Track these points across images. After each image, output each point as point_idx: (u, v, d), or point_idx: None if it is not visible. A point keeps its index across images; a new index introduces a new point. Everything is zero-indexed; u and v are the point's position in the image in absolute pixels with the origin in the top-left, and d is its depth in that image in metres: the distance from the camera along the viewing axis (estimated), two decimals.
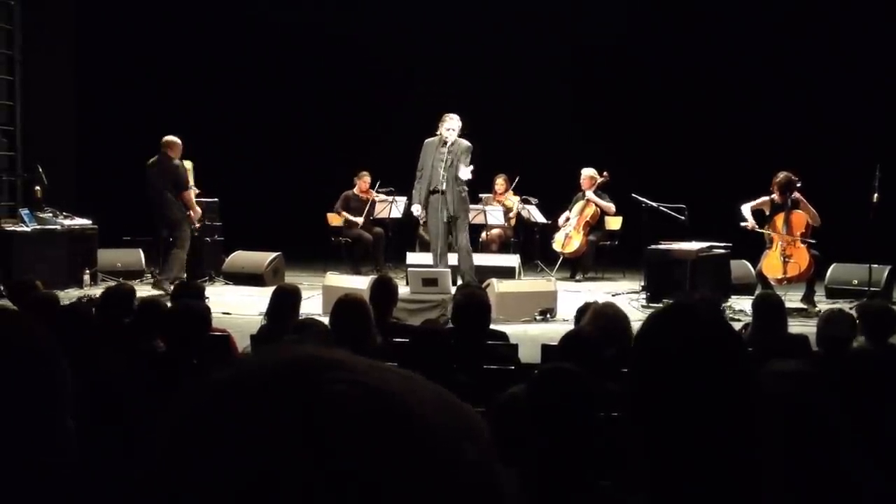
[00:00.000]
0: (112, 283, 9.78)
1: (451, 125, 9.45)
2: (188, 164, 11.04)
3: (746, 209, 9.82)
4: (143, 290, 9.47)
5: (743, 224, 9.79)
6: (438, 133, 9.53)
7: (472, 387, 3.83)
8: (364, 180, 12.41)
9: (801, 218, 9.62)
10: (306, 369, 0.58)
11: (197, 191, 11.18)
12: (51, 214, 11.34)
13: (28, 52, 12.40)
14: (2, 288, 9.58)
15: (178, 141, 10.73)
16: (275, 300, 5.58)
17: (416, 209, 9.77)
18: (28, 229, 10.89)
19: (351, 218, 12.25)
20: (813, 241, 9.60)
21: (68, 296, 9.64)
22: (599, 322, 4.16)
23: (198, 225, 10.97)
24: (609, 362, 3.52)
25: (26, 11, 12.38)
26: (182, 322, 4.21)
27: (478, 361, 4.52)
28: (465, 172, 9.44)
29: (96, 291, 9.69)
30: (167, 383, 3.47)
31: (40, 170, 11.55)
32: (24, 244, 10.65)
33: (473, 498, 0.57)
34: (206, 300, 6.49)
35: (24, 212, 11.21)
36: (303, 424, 0.55)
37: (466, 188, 9.74)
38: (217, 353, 4.91)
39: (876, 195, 9.48)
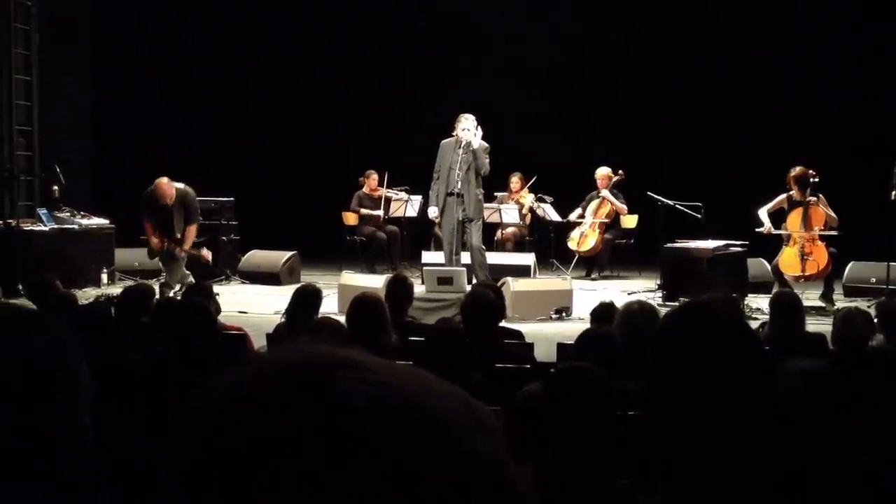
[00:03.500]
0: (129, 283, 9.84)
1: (466, 125, 9.42)
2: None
3: (763, 213, 9.77)
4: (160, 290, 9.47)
5: (759, 230, 9.73)
6: (454, 134, 9.52)
7: (488, 385, 3.83)
8: (372, 178, 12.45)
9: (819, 214, 9.55)
10: (320, 367, 0.59)
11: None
12: (68, 214, 11.41)
13: (45, 53, 12.47)
14: (21, 287, 9.64)
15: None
16: (296, 300, 5.58)
17: (433, 211, 9.75)
18: (46, 229, 10.95)
19: (371, 213, 12.30)
20: (834, 234, 9.53)
21: (86, 295, 9.70)
22: (628, 321, 4.14)
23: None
24: (627, 360, 3.51)
25: (43, 12, 12.44)
26: (186, 321, 4.17)
27: (490, 360, 4.52)
28: (477, 140, 9.39)
29: (114, 291, 9.74)
30: (182, 382, 3.48)
31: (58, 170, 11.61)
32: (42, 244, 10.72)
33: (485, 490, 0.57)
34: (217, 295, 6.47)
35: (42, 211, 11.29)
36: (317, 421, 0.55)
37: (482, 190, 9.75)
38: (233, 351, 4.94)
39: (894, 193, 9.42)
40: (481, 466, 0.58)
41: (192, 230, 10.09)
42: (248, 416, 0.57)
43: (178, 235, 9.99)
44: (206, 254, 10.64)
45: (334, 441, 0.55)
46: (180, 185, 10.09)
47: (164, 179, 9.93)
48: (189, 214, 10.03)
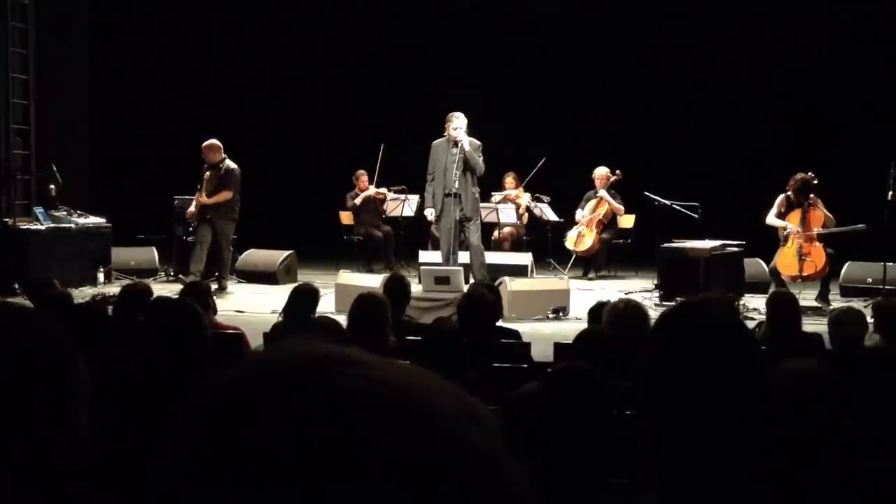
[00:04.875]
0: (126, 281, 9.84)
1: (457, 124, 9.41)
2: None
3: (773, 219, 9.73)
4: (157, 288, 9.47)
5: (785, 232, 9.64)
6: (446, 134, 9.50)
7: (485, 385, 3.84)
8: (362, 179, 12.48)
9: (818, 215, 9.56)
10: (315, 364, 0.59)
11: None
12: (65, 213, 11.40)
13: (42, 51, 12.44)
14: (17, 286, 9.63)
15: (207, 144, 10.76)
16: (293, 299, 5.57)
17: (430, 213, 9.74)
18: (42, 228, 10.94)
19: (367, 193, 12.30)
20: (833, 230, 9.52)
21: (83, 294, 9.70)
22: (616, 319, 4.15)
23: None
24: (624, 360, 3.51)
25: (40, 10, 12.41)
26: (169, 320, 4.10)
27: (487, 360, 4.53)
28: (467, 140, 9.41)
29: (110, 290, 9.74)
30: (176, 382, 3.48)
31: (54, 168, 11.59)
32: (38, 243, 10.70)
33: (482, 484, 0.57)
34: (214, 296, 6.44)
35: (39, 210, 11.27)
36: (312, 417, 0.56)
37: (478, 189, 9.74)
38: (230, 351, 4.93)
39: (891, 193, 9.44)
40: (478, 461, 0.58)
41: (222, 194, 10.67)
42: (243, 414, 0.57)
43: (205, 195, 10.71)
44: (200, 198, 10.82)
45: (329, 437, 0.55)
46: (233, 164, 10.78)
47: (212, 141, 10.77)
48: (223, 181, 10.71)
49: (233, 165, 10.76)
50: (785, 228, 9.64)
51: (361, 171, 12.50)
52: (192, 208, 10.82)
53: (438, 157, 9.53)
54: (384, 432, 0.55)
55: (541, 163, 12.05)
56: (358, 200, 12.40)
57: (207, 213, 10.61)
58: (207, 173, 10.70)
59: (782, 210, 9.74)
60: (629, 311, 4.23)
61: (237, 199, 10.80)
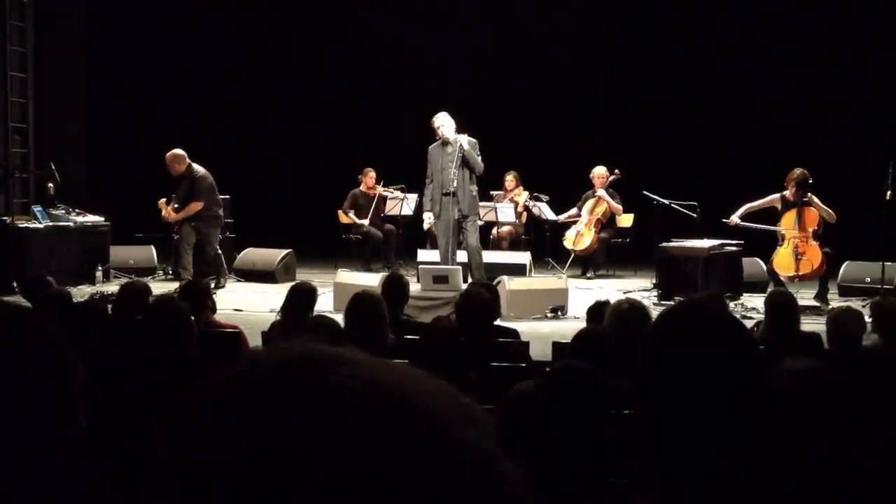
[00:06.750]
0: (125, 280, 9.84)
1: (440, 122, 9.45)
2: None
3: (742, 209, 9.79)
4: (156, 287, 9.47)
5: (724, 220, 9.75)
6: (438, 137, 9.52)
7: (482, 384, 3.84)
8: (369, 177, 12.40)
9: (813, 214, 9.56)
10: (310, 364, 0.59)
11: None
12: (63, 211, 11.39)
13: (40, 50, 12.44)
14: (15, 284, 9.62)
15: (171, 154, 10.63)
16: (291, 298, 5.57)
17: (429, 217, 9.74)
18: (41, 226, 10.94)
19: (357, 220, 12.21)
20: (821, 235, 9.54)
21: (81, 292, 9.69)
22: (618, 319, 4.15)
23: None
24: (623, 359, 3.51)
25: (38, 9, 12.40)
26: (159, 320, 4.09)
27: (486, 359, 4.53)
28: (463, 137, 9.41)
29: (109, 288, 9.74)
30: (175, 381, 3.48)
31: (53, 167, 11.59)
32: (36, 241, 10.70)
33: (475, 483, 0.58)
34: (214, 295, 6.46)
35: (37, 209, 11.26)
36: (306, 416, 0.56)
37: (477, 187, 9.74)
38: (228, 349, 4.93)
39: (889, 192, 9.44)
40: (472, 462, 0.58)
41: (191, 206, 10.57)
42: (238, 414, 0.57)
43: (175, 205, 10.66)
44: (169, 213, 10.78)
45: (323, 438, 0.55)
46: (200, 169, 10.60)
47: (174, 151, 10.62)
48: (191, 192, 10.59)
49: (200, 173, 10.57)
50: (729, 218, 9.69)
51: (369, 169, 12.42)
52: (164, 215, 10.70)
53: (434, 158, 9.58)
54: (378, 433, 0.55)
55: (525, 195, 12.13)
56: (352, 214, 12.27)
57: (190, 221, 10.54)
58: (180, 184, 10.62)
59: (777, 207, 9.74)
60: (632, 310, 4.24)
61: (216, 203, 10.71)
